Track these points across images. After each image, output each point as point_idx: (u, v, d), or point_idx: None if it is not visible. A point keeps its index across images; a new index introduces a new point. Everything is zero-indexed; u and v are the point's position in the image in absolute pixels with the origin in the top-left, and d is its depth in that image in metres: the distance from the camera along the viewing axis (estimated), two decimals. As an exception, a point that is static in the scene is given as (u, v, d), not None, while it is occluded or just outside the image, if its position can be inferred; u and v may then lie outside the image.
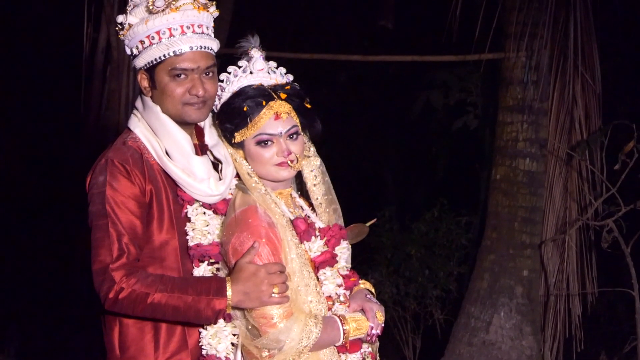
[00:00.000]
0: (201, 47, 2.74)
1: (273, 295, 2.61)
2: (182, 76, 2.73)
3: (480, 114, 7.59)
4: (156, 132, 2.78)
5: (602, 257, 6.35)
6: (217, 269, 2.76)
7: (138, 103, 2.85)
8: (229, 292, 2.62)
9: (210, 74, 2.77)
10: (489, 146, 7.11)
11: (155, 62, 2.73)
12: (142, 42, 2.72)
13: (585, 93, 6.27)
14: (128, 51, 2.80)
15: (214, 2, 2.83)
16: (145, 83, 2.78)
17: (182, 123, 2.79)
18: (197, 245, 2.74)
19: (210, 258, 2.74)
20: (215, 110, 2.86)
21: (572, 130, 6.26)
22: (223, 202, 2.81)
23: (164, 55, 2.71)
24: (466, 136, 8.08)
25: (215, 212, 2.81)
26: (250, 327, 2.67)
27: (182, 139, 2.77)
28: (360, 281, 2.93)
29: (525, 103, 6.25)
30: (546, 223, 6.29)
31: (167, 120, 2.77)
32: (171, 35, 2.71)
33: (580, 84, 6.21)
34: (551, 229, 6.28)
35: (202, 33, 2.75)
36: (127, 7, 2.78)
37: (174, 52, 2.71)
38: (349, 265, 2.91)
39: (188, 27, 2.72)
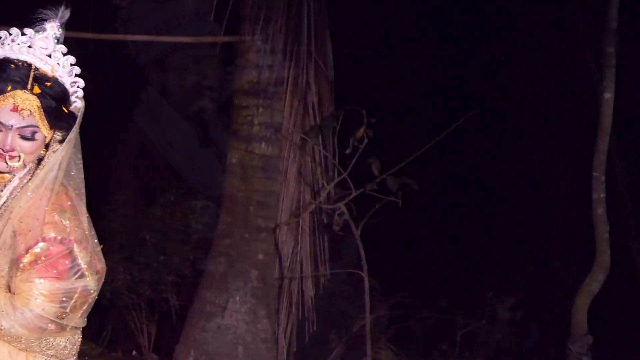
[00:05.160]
0: None
1: None
2: None
3: (216, 97, 7.55)
4: None
5: (334, 239, 6.53)
6: None
7: None
8: None
9: None
10: (225, 130, 7.08)
11: None
12: None
13: (318, 79, 6.38)
14: None
15: None
16: None
17: None
18: None
19: None
20: None
21: (305, 114, 6.35)
22: None
23: None
24: (202, 120, 8.01)
25: None
26: None
27: None
28: None
29: (260, 87, 6.27)
30: (281, 207, 6.35)
31: None
32: None
33: (313, 69, 6.32)
34: (286, 213, 6.35)
35: None
36: None
37: None
38: None
39: None
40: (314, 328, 6.47)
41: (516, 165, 8.10)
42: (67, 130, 2.59)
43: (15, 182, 2.60)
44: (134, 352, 7.34)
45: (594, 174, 5.62)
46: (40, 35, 2.56)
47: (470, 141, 8.29)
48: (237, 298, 6.20)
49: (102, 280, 2.66)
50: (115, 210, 7.16)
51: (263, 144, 6.31)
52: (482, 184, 8.77)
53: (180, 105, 8.23)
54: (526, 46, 8.11)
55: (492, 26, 7.88)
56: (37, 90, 2.50)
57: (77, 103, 2.65)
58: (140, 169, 9.98)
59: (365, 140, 5.75)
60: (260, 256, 6.29)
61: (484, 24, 7.82)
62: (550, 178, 7.97)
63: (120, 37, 7.68)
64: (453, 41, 8.66)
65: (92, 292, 2.61)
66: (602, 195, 5.60)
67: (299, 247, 6.36)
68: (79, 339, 2.67)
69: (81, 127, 2.65)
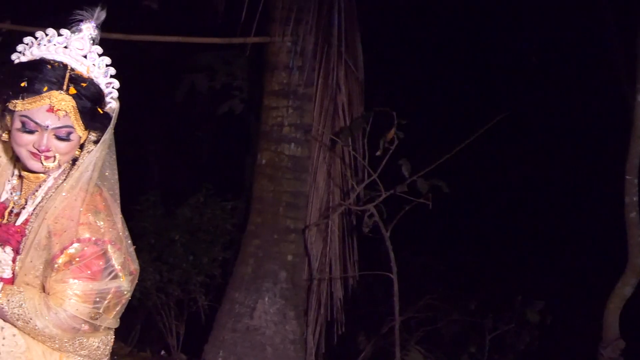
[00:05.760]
0: None
1: None
2: None
3: (246, 98, 7.55)
4: None
5: (362, 241, 6.51)
6: None
7: None
8: None
9: None
10: (255, 131, 7.08)
11: None
12: None
13: (348, 80, 6.38)
14: None
15: None
16: None
17: None
18: None
19: None
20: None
21: (335, 116, 6.35)
22: None
23: None
24: (232, 121, 8.02)
25: None
26: None
27: None
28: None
29: (291, 88, 6.27)
30: (310, 208, 6.35)
31: None
32: None
33: (343, 70, 6.32)
34: (315, 214, 6.35)
35: None
36: None
37: None
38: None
39: None
40: (343, 329, 6.47)
41: (547, 168, 8.04)
42: (101, 131, 2.60)
43: (50, 182, 2.61)
44: (162, 352, 7.37)
45: (627, 177, 5.56)
46: (77, 36, 2.57)
47: (501, 143, 8.23)
48: (266, 299, 6.20)
49: (136, 281, 2.66)
50: (144, 210, 7.19)
51: (293, 145, 6.31)
52: (513, 187, 8.71)
53: (209, 105, 8.25)
54: (556, 49, 8.05)
55: (523, 28, 7.84)
56: (72, 91, 2.51)
57: (112, 104, 2.65)
58: (169, 170, 10.04)
59: (396, 142, 5.74)
60: (289, 257, 6.29)
61: (515, 26, 7.78)
62: (582, 181, 7.90)
63: (150, 37, 7.69)
64: (484, 42, 8.61)
65: (125, 293, 2.62)
66: (634, 199, 5.55)
67: (328, 248, 6.36)
68: (112, 340, 2.68)
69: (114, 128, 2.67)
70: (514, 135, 8.42)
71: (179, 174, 9.98)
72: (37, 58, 2.54)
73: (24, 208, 2.60)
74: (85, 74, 2.55)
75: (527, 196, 8.33)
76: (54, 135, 2.52)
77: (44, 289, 2.54)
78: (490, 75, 8.74)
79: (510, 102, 7.96)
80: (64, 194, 2.56)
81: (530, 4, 7.82)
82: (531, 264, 7.96)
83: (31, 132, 2.51)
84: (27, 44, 2.58)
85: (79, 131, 2.55)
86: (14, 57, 2.58)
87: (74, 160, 2.61)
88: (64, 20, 2.61)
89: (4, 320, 2.50)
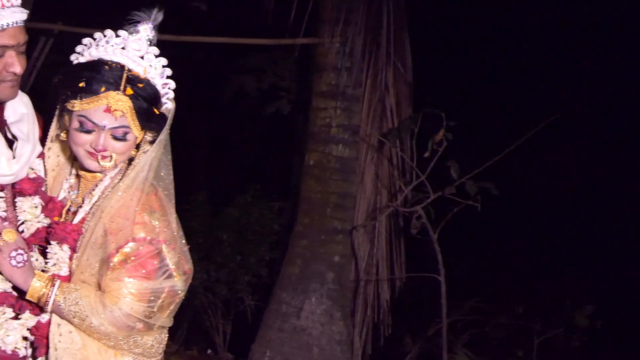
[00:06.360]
0: (18, 22, 2.51)
1: None
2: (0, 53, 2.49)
3: (293, 99, 7.57)
4: None
5: (408, 242, 6.49)
6: None
7: None
8: None
9: (23, 49, 2.55)
10: (302, 132, 7.10)
11: None
12: None
13: (396, 81, 6.37)
14: None
15: None
16: None
17: None
18: None
19: None
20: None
21: (383, 117, 6.35)
22: (29, 182, 2.60)
23: None
24: (279, 121, 8.04)
25: (21, 193, 2.59)
26: None
27: None
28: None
29: (339, 89, 6.28)
30: (357, 209, 6.35)
31: None
32: None
33: (392, 71, 6.31)
34: (362, 215, 6.35)
35: (17, 6, 2.52)
36: None
37: None
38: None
39: (7, 0, 2.49)
40: (389, 331, 6.45)
41: (597, 171, 7.94)
42: (157, 131, 2.63)
43: (106, 181, 2.64)
44: (209, 351, 7.42)
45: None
46: (134, 37, 2.60)
47: (551, 145, 8.16)
48: (313, 299, 6.21)
49: (189, 280, 2.69)
50: (192, 210, 7.24)
51: (340, 146, 6.32)
52: (562, 189, 8.62)
53: (256, 106, 8.28)
54: (610, 51, 7.96)
55: (576, 30, 7.75)
56: (129, 91, 2.54)
57: (168, 104, 2.68)
58: (216, 170, 10.10)
59: (444, 143, 5.71)
60: (336, 258, 6.29)
61: (568, 27, 7.70)
62: (634, 183, 7.80)
63: (200, 39, 7.74)
64: (536, 43, 8.53)
65: (179, 292, 2.64)
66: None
67: (375, 249, 6.35)
68: (165, 338, 2.70)
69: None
70: (565, 137, 8.33)
71: (225, 174, 10.04)
72: (95, 59, 2.58)
73: (81, 207, 2.63)
74: (142, 74, 2.58)
75: (578, 198, 8.23)
76: (111, 135, 2.56)
77: (99, 287, 2.57)
78: (541, 76, 8.65)
79: (561, 103, 7.89)
80: (120, 193, 2.58)
81: (585, 7, 7.73)
82: (581, 267, 7.87)
83: (88, 132, 2.55)
84: (85, 45, 2.61)
85: (136, 131, 2.58)
86: (72, 57, 2.62)
87: (130, 160, 2.64)
88: (121, 21, 2.64)
89: (61, 318, 2.54)
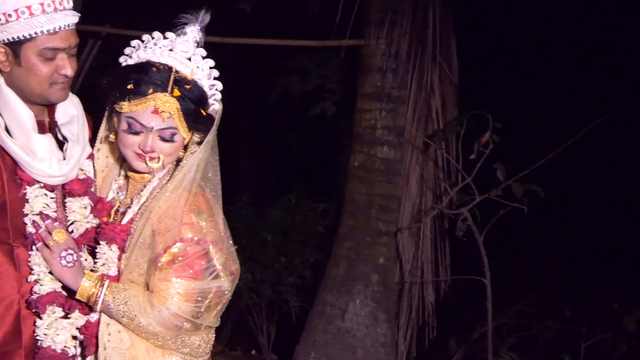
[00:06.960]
0: (70, 25, 2.55)
1: None
2: (52, 56, 2.53)
3: (338, 100, 7.56)
4: None
5: (453, 245, 6.45)
6: None
7: None
8: None
9: (74, 52, 2.59)
10: (346, 133, 7.09)
11: (22, 39, 2.51)
12: (7, 14, 2.49)
13: (442, 82, 6.33)
14: None
15: None
16: (1, 57, 2.55)
17: (42, 103, 2.60)
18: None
19: None
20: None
21: (429, 119, 6.31)
22: (78, 182, 2.63)
23: (35, 33, 2.50)
24: (323, 123, 8.04)
25: (71, 193, 2.62)
26: None
27: (23, 115, 2.57)
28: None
29: (384, 91, 6.25)
30: (402, 211, 6.32)
31: (9, 93, 2.56)
32: (44, 11, 2.50)
33: (437, 73, 6.27)
34: (407, 217, 6.32)
35: (68, 9, 2.56)
36: None
37: (47, 30, 2.50)
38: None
39: (60, 3, 2.53)
40: (434, 334, 6.42)
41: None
42: (205, 132, 2.64)
43: (154, 182, 2.66)
44: (253, 351, 7.44)
45: None
46: (181, 38, 2.62)
47: (600, 147, 8.05)
48: (358, 301, 6.20)
49: (236, 281, 2.70)
50: (236, 211, 7.27)
51: (385, 148, 6.29)
52: (611, 192, 8.51)
53: (301, 107, 8.29)
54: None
55: (625, 29, 7.64)
56: (177, 93, 2.56)
57: (215, 105, 2.70)
58: (260, 171, 10.13)
59: (491, 145, 5.66)
60: (381, 260, 6.27)
61: (617, 27, 7.59)
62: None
63: (245, 40, 7.77)
64: (583, 44, 8.44)
65: (226, 292, 2.65)
66: None
67: (420, 252, 6.32)
68: (212, 338, 2.72)
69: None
70: (614, 139, 8.22)
71: (269, 175, 10.07)
72: (143, 61, 2.60)
73: (129, 207, 2.66)
74: (189, 76, 2.60)
75: (626, 201, 8.12)
76: (159, 136, 2.58)
77: (147, 286, 2.59)
78: (589, 77, 8.55)
79: (610, 105, 7.78)
80: (167, 194, 2.61)
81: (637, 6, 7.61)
82: (630, 270, 7.75)
83: (136, 133, 2.57)
84: (133, 47, 2.64)
85: (183, 132, 2.59)
86: (121, 59, 2.65)
87: (178, 161, 2.66)
88: (168, 23, 2.66)
89: (110, 317, 2.57)
